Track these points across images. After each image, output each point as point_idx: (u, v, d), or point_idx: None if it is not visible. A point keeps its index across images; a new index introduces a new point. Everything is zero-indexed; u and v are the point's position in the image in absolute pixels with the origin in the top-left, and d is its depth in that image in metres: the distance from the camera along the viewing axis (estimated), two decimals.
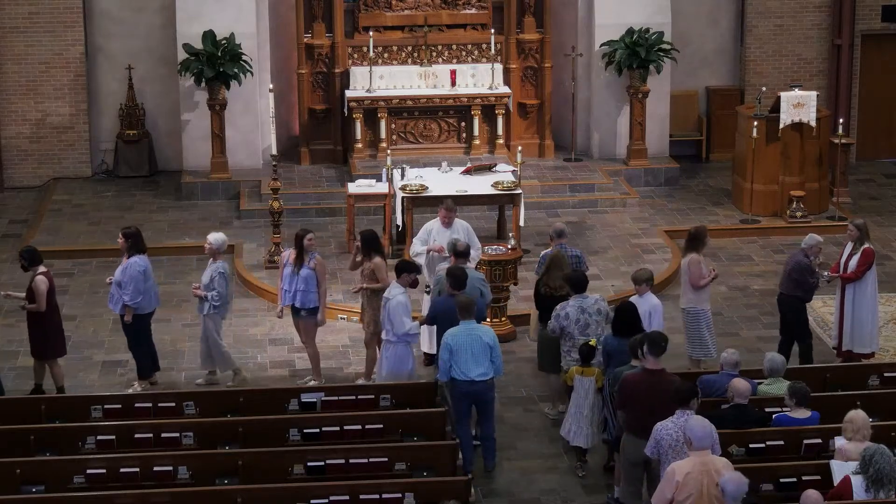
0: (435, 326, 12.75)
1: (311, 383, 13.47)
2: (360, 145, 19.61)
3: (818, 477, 10.05)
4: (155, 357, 13.95)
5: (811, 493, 8.95)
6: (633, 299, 12.75)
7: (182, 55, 19.08)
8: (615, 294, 15.46)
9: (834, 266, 14.16)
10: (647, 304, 12.70)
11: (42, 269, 13.30)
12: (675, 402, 10.03)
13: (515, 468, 12.29)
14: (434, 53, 20.00)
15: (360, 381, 13.51)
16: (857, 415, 9.98)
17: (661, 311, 12.89)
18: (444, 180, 17.29)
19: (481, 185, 17.21)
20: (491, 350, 11.92)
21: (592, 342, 12.15)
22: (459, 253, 13.37)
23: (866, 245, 13.76)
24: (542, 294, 13.19)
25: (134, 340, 13.74)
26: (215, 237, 13.73)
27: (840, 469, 9.73)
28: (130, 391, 13.36)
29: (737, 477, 8.93)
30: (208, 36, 18.97)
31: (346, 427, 11.24)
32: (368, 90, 19.57)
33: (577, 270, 13.14)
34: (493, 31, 19.83)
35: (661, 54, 19.48)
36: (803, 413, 10.86)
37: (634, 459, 10.58)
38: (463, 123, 19.90)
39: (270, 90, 16.49)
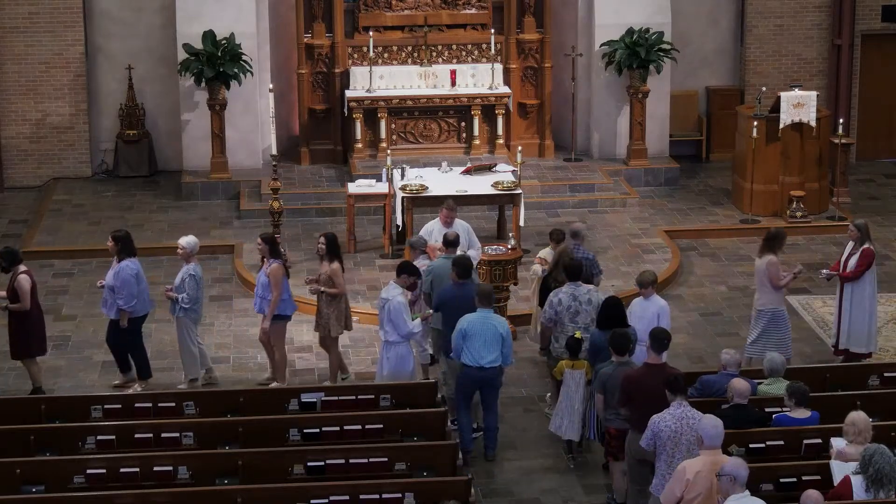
0: (440, 314, 12.90)
1: (273, 385, 13.54)
2: (360, 145, 19.62)
3: (818, 477, 10.05)
4: (142, 356, 13.88)
5: (811, 493, 8.96)
6: (638, 301, 12.77)
7: (182, 55, 19.09)
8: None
9: (834, 265, 14.19)
10: (655, 307, 12.70)
11: (23, 268, 13.30)
12: (671, 390, 10.07)
13: (515, 468, 12.29)
14: (434, 53, 20.01)
15: (326, 383, 13.58)
16: (858, 417, 9.97)
17: (668, 312, 12.88)
18: (444, 180, 17.30)
19: (481, 185, 17.21)
20: (503, 340, 12.09)
21: (578, 334, 12.21)
22: (449, 242, 13.55)
23: (866, 245, 13.77)
24: (552, 289, 13.17)
25: (131, 343, 13.71)
26: (187, 240, 13.71)
27: (840, 469, 9.73)
28: (131, 391, 13.36)
29: (740, 462, 8.98)
30: (208, 36, 18.97)
31: (346, 427, 11.23)
32: (368, 90, 19.57)
33: (574, 259, 13.14)
34: (493, 31, 19.84)
35: (661, 54, 19.49)
36: (803, 413, 10.86)
37: (641, 457, 10.59)
38: (463, 123, 19.91)
39: (270, 90, 16.49)
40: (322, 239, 13.74)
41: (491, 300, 12.29)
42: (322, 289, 13.52)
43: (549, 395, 13.33)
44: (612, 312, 11.94)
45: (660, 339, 10.76)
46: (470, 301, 12.34)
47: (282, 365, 13.82)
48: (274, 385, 13.54)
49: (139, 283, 13.56)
